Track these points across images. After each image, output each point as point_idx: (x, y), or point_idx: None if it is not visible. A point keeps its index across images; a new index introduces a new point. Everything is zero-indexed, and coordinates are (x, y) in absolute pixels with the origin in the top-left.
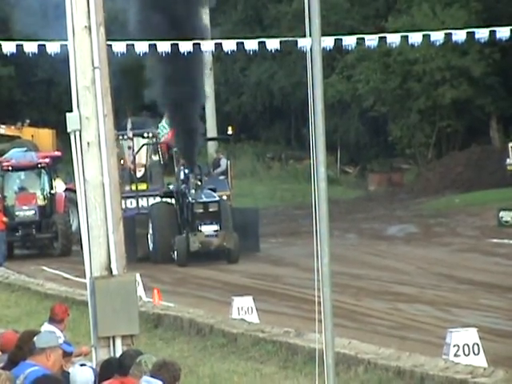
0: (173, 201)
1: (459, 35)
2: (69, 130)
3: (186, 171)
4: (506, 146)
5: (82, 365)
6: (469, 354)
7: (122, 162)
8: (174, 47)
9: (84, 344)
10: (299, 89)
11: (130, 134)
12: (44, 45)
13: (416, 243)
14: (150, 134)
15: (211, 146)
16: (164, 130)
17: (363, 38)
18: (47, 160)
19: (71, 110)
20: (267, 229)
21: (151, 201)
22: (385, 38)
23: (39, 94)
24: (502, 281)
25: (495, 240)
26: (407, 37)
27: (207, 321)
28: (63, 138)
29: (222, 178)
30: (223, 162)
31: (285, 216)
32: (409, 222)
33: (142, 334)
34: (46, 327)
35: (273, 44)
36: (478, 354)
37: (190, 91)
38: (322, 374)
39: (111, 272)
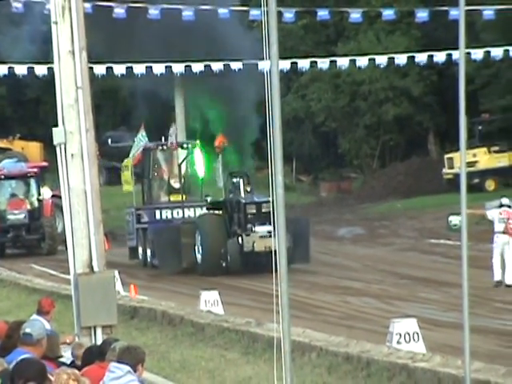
0: (219, 212)
1: (401, 59)
2: (55, 143)
3: (235, 180)
4: (441, 157)
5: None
6: (409, 342)
7: (154, 172)
8: (148, 69)
9: (68, 333)
10: (259, 106)
11: (174, 143)
12: (32, 67)
13: (362, 243)
14: (190, 145)
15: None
16: (141, 141)
17: (316, 62)
18: (35, 170)
19: (57, 125)
20: None
21: (189, 211)
22: (335, 61)
23: (28, 111)
24: (439, 276)
25: (432, 240)
26: (355, 60)
27: (178, 312)
28: (50, 150)
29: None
30: None
31: None
32: (356, 225)
33: (119, 325)
34: (35, 318)
35: (236, 65)
36: (418, 341)
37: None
38: (280, 359)
39: (92, 269)
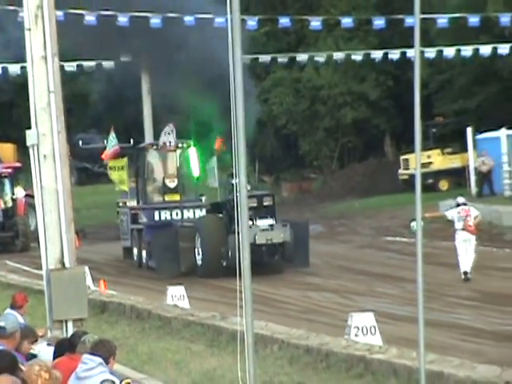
0: (219, 214)
1: (358, 55)
2: (28, 144)
3: (234, 181)
4: (397, 158)
5: (48, 344)
6: (367, 334)
7: (145, 173)
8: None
9: (41, 326)
10: (225, 108)
11: (172, 144)
12: (6, 67)
13: (322, 240)
14: (185, 145)
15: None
16: (112, 142)
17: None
18: (9, 170)
19: (30, 128)
20: None
21: (188, 212)
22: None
23: (2, 114)
24: (395, 272)
25: (388, 238)
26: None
27: (146, 306)
28: (23, 151)
29: None
30: None
31: None
32: (316, 223)
33: (90, 318)
34: (8, 312)
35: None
36: (375, 334)
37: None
38: (243, 351)
39: (64, 265)
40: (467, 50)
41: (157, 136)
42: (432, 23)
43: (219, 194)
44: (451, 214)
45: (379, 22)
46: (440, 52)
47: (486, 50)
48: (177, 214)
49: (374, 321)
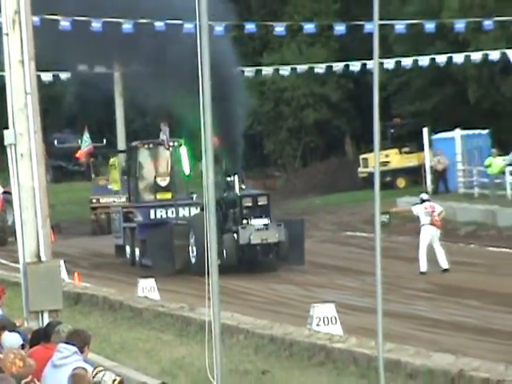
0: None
1: (320, 68)
2: (6, 143)
3: (230, 178)
4: (357, 157)
5: (10, 331)
6: (328, 324)
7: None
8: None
9: (18, 317)
10: (193, 111)
11: (166, 142)
12: None
13: None
14: (176, 143)
15: (121, 157)
16: (86, 142)
17: (243, 71)
18: None
19: (8, 128)
20: None
21: (183, 210)
22: (261, 70)
23: None
24: (355, 265)
25: (348, 233)
26: (278, 69)
27: (117, 298)
28: (1, 150)
29: None
30: None
31: None
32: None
33: (64, 309)
34: None
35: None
36: (336, 324)
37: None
38: (211, 340)
39: (40, 259)
40: (424, 60)
41: (129, 135)
42: (390, 29)
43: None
44: (417, 209)
45: (340, 28)
46: (398, 62)
47: (441, 59)
48: (172, 212)
49: (334, 312)
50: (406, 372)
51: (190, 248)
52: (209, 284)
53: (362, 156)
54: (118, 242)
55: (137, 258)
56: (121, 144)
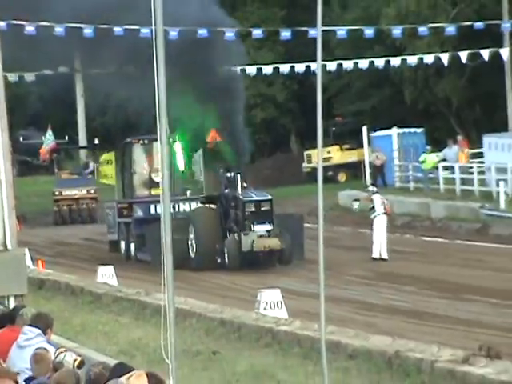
0: (213, 206)
1: (267, 70)
2: None
3: (230, 174)
4: (301, 154)
5: None
6: (274, 309)
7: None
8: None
9: None
10: (148, 110)
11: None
12: None
13: None
14: (171, 139)
15: (82, 153)
16: (48, 139)
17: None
18: None
19: None
20: None
21: (184, 205)
22: None
23: None
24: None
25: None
26: None
27: (79, 284)
28: None
29: (90, 176)
30: (91, 164)
31: None
32: None
33: (29, 294)
34: None
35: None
36: (281, 308)
37: None
38: (165, 323)
39: (6, 247)
40: (364, 63)
41: (89, 133)
42: (332, 34)
43: (205, 187)
44: (377, 199)
45: (286, 34)
46: (340, 64)
47: (380, 62)
48: (174, 207)
49: (280, 297)
50: (346, 353)
51: (190, 242)
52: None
53: (306, 152)
54: (111, 237)
55: (132, 253)
56: (82, 141)
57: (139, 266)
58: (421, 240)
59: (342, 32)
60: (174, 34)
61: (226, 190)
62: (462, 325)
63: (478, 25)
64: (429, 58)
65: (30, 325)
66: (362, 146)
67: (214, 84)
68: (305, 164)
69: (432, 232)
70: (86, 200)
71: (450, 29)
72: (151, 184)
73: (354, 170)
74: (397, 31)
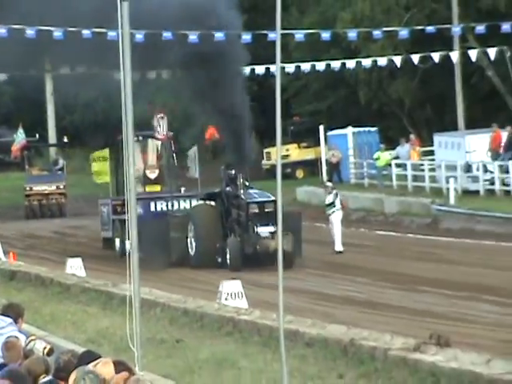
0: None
1: None
2: None
3: (232, 172)
4: (261, 151)
5: None
6: (235, 299)
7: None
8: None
9: None
10: (115, 109)
11: (163, 134)
12: None
13: None
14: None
15: (52, 150)
16: (19, 137)
17: (161, 73)
18: None
19: None
20: (93, 209)
21: (184, 202)
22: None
23: None
24: None
25: None
26: None
27: (48, 275)
28: None
29: (59, 172)
30: (60, 161)
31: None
32: None
33: (1, 285)
34: None
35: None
36: (242, 298)
37: None
38: (131, 313)
39: None
40: (321, 65)
41: (59, 131)
42: (291, 38)
43: (200, 184)
44: (339, 195)
45: (246, 37)
46: (298, 66)
47: (336, 64)
48: (172, 204)
49: (241, 287)
50: (303, 341)
51: (189, 240)
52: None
53: (265, 150)
54: (105, 234)
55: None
56: (52, 139)
57: (107, 258)
58: (375, 234)
59: (300, 35)
60: (139, 36)
61: (227, 188)
62: (413, 315)
63: (430, 29)
64: (382, 61)
65: (2, 314)
66: (318, 144)
67: (215, 80)
68: (264, 161)
69: (385, 226)
70: (55, 195)
71: (403, 32)
72: (146, 181)
73: (312, 167)
74: (352, 34)
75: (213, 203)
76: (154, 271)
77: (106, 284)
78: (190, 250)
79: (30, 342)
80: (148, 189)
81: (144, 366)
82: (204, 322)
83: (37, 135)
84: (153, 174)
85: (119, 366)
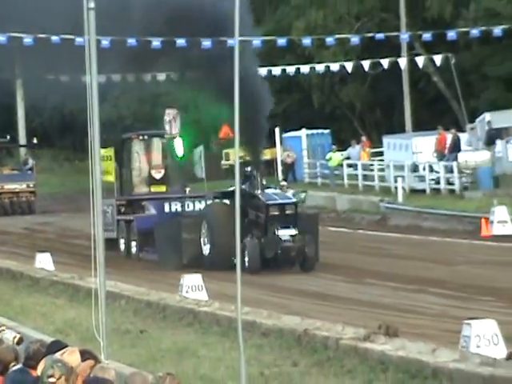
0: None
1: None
2: None
3: (248, 169)
4: (221, 152)
5: None
6: (195, 291)
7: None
8: None
9: None
10: (82, 111)
11: (173, 131)
12: None
13: None
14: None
15: (22, 151)
16: None
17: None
18: None
19: None
20: (61, 207)
21: (200, 203)
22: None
23: None
24: None
25: None
26: (155, 76)
27: (19, 269)
28: None
29: (29, 172)
30: (30, 161)
31: (70, 198)
32: None
33: None
34: None
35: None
36: (202, 291)
37: None
38: (97, 304)
39: None
40: (276, 70)
41: (28, 132)
42: (249, 44)
43: (206, 184)
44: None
45: (206, 43)
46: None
47: (291, 69)
48: (188, 205)
49: (201, 281)
50: (260, 331)
51: (202, 240)
52: (95, 257)
53: (224, 151)
54: (109, 235)
55: (133, 252)
56: (22, 140)
57: (74, 252)
58: (327, 230)
59: (257, 41)
60: (105, 42)
61: (243, 186)
62: (363, 306)
63: (379, 36)
64: (335, 66)
65: None
66: (274, 146)
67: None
68: (223, 161)
69: (337, 223)
70: (25, 193)
71: (354, 39)
72: (151, 181)
73: (268, 167)
74: (306, 42)
75: (227, 202)
76: (112, 264)
77: (73, 277)
78: (203, 251)
79: (0, 331)
80: (153, 189)
81: (109, 355)
82: (166, 314)
83: (7, 136)
84: (158, 174)
85: (85, 355)
